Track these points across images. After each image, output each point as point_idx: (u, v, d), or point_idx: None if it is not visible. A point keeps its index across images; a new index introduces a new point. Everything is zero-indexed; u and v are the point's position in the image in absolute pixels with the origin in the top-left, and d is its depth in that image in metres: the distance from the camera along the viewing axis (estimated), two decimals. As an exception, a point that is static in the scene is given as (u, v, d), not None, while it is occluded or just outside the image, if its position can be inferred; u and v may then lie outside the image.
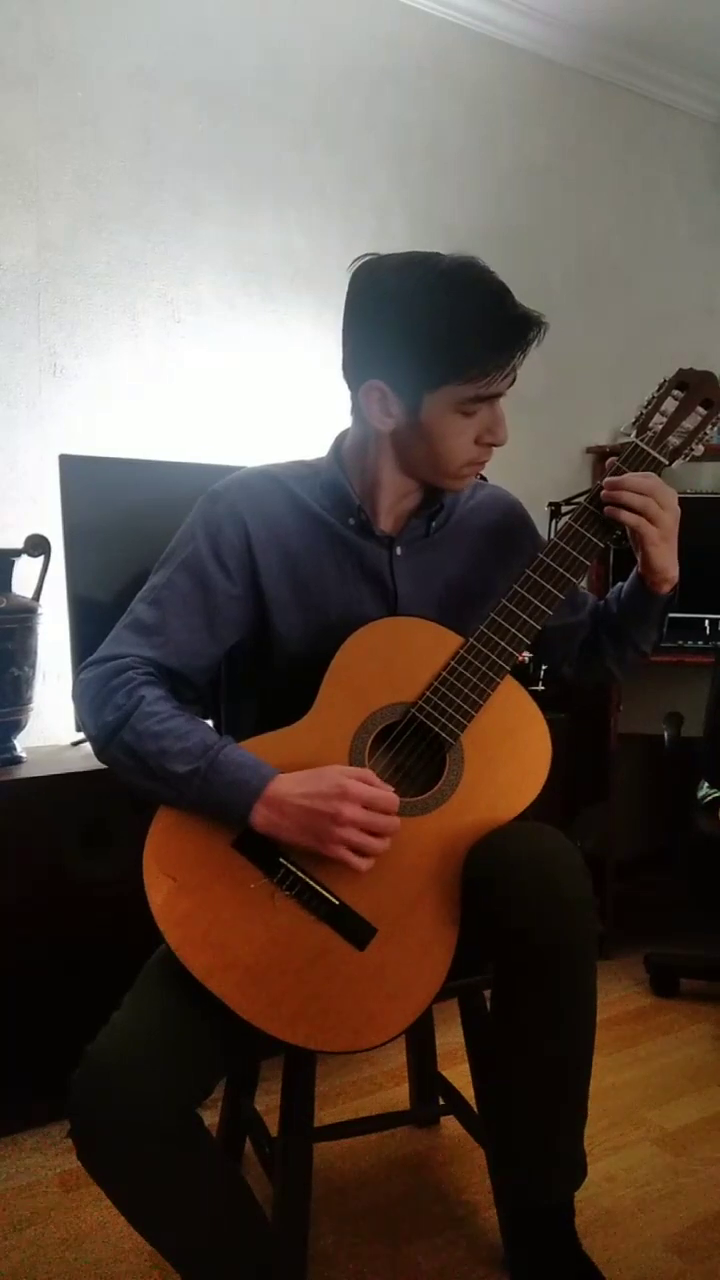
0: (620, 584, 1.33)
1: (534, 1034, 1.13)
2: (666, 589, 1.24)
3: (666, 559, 1.20)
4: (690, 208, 3.19)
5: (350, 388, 1.21)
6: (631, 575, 1.28)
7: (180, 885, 1.09)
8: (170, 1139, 1.03)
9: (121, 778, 1.13)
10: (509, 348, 1.12)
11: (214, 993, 1.06)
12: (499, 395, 1.16)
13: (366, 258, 1.17)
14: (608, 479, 1.18)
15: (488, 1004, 1.40)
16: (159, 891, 1.09)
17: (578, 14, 2.68)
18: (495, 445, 1.19)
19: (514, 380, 1.17)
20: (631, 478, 1.17)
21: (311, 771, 1.10)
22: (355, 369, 1.19)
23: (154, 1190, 1.05)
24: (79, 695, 1.16)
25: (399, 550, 1.27)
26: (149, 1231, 1.09)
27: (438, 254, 1.15)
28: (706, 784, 2.18)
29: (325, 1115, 1.74)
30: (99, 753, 1.15)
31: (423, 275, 1.12)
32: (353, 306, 1.18)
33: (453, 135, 2.66)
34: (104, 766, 1.15)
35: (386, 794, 1.09)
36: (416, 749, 1.18)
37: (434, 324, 1.10)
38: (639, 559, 1.21)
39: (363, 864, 1.08)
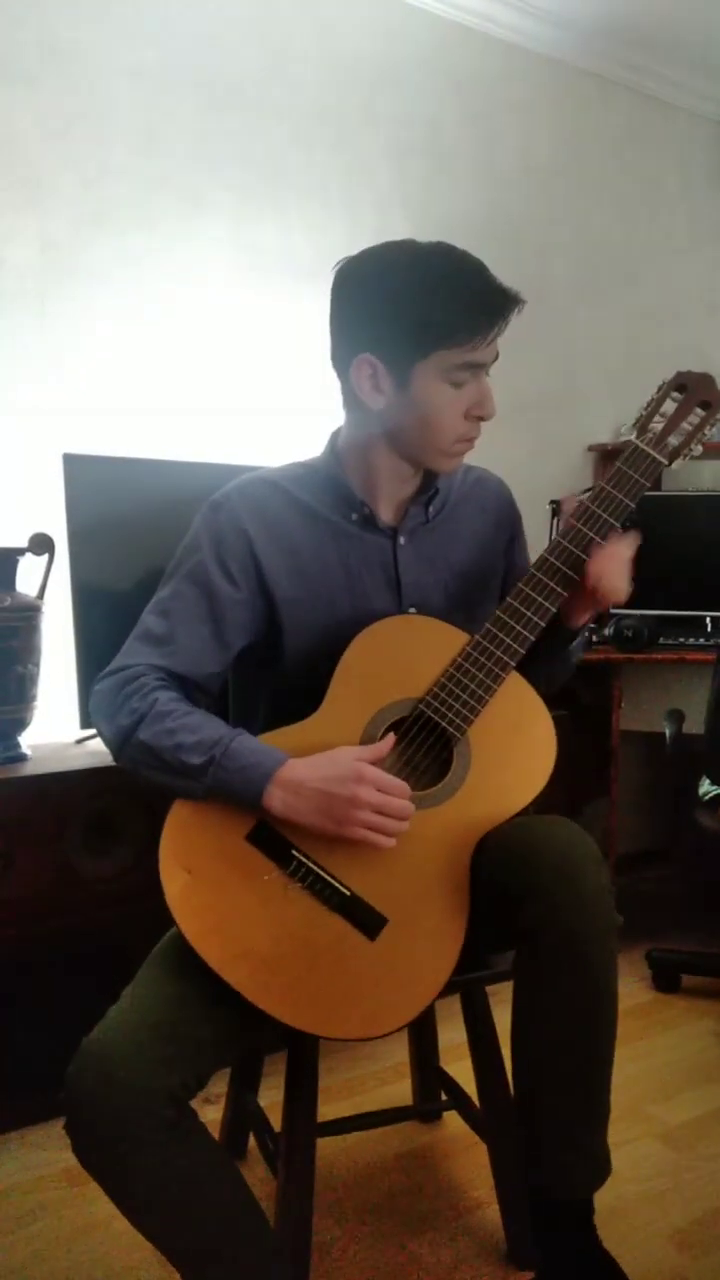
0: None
1: (555, 1025, 1.14)
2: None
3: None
4: (691, 205, 3.20)
5: (340, 375, 1.23)
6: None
7: (195, 877, 1.10)
8: (164, 1129, 1.02)
9: (141, 776, 1.14)
10: (492, 313, 1.15)
11: (229, 983, 1.07)
12: (484, 365, 1.19)
13: (344, 259, 1.21)
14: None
15: (489, 999, 1.42)
16: (175, 883, 1.09)
17: (578, 11, 2.69)
18: (484, 419, 1.22)
19: (498, 356, 1.20)
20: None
21: (323, 755, 1.11)
22: (344, 350, 1.21)
23: (149, 1183, 1.03)
24: (94, 706, 1.18)
25: (402, 540, 1.28)
26: (145, 1225, 1.07)
27: (413, 240, 1.19)
28: (708, 781, 2.19)
29: (328, 1110, 1.75)
30: (117, 756, 1.16)
31: (404, 253, 1.17)
32: (337, 295, 1.21)
33: (454, 133, 2.66)
34: (109, 764, 1.17)
35: (397, 780, 1.11)
36: (424, 744, 1.19)
37: (419, 293, 1.13)
38: (585, 615, 1.28)
39: (385, 841, 1.10)
